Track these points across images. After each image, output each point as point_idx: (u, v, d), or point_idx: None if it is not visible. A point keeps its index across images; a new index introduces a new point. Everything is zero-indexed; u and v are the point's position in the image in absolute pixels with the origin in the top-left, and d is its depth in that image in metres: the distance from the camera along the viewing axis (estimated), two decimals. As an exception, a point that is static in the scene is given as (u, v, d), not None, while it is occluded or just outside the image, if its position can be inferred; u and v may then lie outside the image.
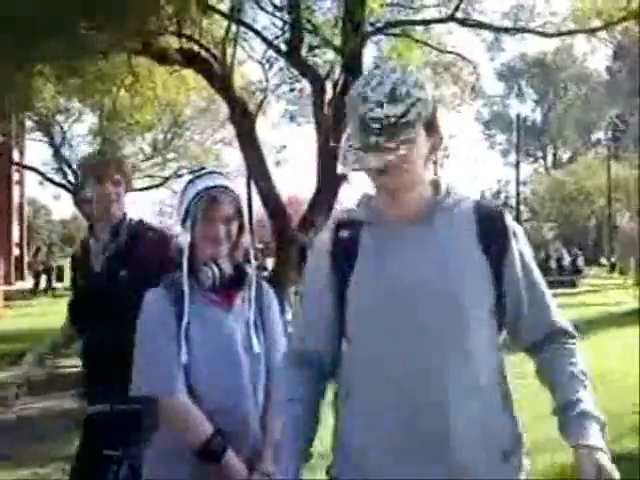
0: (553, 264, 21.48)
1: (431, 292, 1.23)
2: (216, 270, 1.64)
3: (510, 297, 1.28)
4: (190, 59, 8.43)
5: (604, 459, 1.14)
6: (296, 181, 47.06)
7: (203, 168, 1.77)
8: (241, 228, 1.71)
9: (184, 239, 1.65)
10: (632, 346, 7.53)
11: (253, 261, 1.75)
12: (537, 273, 1.33)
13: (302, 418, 1.33)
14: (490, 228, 1.28)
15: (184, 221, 1.66)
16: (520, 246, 1.31)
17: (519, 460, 1.30)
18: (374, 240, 1.30)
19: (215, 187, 1.66)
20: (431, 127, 1.24)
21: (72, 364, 7.48)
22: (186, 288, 1.63)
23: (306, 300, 1.40)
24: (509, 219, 1.32)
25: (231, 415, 1.61)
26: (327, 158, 8.67)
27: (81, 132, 24.44)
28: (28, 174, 24.39)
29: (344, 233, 1.33)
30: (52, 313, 12.92)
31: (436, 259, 1.24)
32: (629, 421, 4.67)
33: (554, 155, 47.26)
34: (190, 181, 1.71)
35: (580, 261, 23.11)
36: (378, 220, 1.31)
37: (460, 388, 1.20)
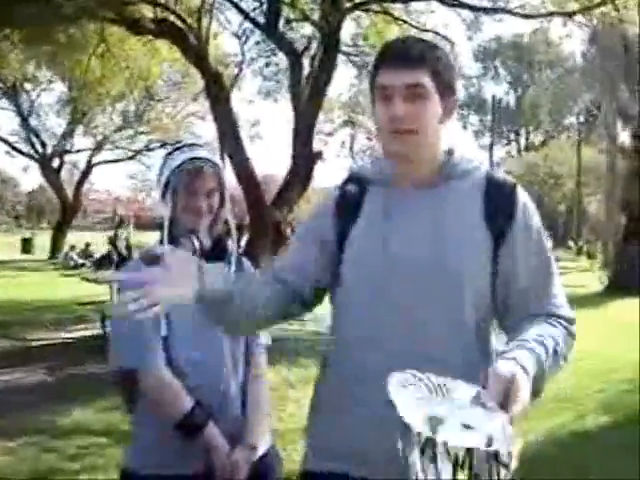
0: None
1: (428, 261, 1.20)
2: (196, 243, 1.60)
3: (504, 274, 1.22)
4: (164, 29, 8.23)
5: (522, 377, 1.00)
6: (270, 158, 46.54)
7: (180, 141, 1.72)
8: (222, 201, 1.68)
9: (164, 212, 1.61)
10: (597, 328, 7.74)
11: (234, 235, 1.71)
12: (544, 254, 1.25)
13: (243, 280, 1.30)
14: (497, 201, 1.24)
15: (164, 193, 1.62)
16: (528, 223, 1.24)
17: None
18: (380, 200, 1.28)
19: (197, 159, 1.62)
20: (446, 89, 1.23)
21: (41, 337, 7.39)
22: None
23: (299, 238, 1.37)
24: (520, 194, 1.26)
25: (211, 391, 1.59)
26: (303, 135, 8.60)
27: (50, 101, 23.82)
28: (-6, 143, 23.74)
29: (352, 189, 1.32)
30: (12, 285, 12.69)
31: (437, 228, 1.22)
32: (591, 401, 4.80)
33: (527, 138, 47.71)
34: (169, 153, 1.66)
35: (548, 244, 23.43)
36: (386, 181, 1.29)
37: (453, 361, 1.16)
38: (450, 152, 1.30)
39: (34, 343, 7.11)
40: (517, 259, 1.22)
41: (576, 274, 15.69)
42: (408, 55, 1.21)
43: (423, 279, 1.21)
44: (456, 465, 0.83)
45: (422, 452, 0.85)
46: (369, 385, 1.20)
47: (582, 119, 32.62)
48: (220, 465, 1.54)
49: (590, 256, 23.49)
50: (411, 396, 0.91)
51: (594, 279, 13.91)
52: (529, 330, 1.14)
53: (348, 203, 1.30)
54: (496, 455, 0.84)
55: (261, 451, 1.62)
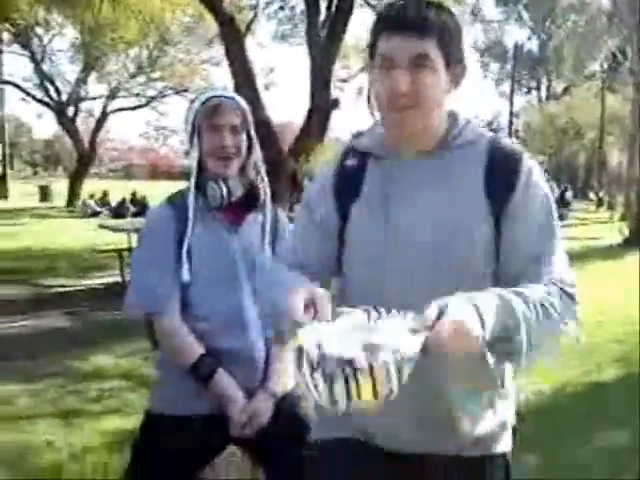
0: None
1: (430, 235, 1.17)
2: (224, 188, 1.57)
3: (505, 244, 1.17)
4: (178, -30, 7.98)
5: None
6: (286, 106, 45.67)
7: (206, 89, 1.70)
8: (251, 145, 1.63)
9: (192, 157, 1.58)
10: (616, 280, 7.68)
11: (266, 181, 1.66)
12: (548, 225, 1.18)
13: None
14: (499, 170, 1.18)
15: (191, 139, 1.58)
16: (532, 193, 1.18)
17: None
18: (380, 172, 1.23)
19: (218, 96, 1.58)
20: (453, 57, 1.16)
21: (61, 284, 7.52)
22: (191, 206, 1.56)
23: (304, 230, 1.30)
24: (526, 162, 1.19)
25: (232, 338, 1.58)
26: (319, 82, 8.42)
27: (62, 47, 23.49)
28: (8, 89, 23.54)
29: (350, 163, 1.26)
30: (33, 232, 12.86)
31: (439, 199, 1.18)
32: (609, 351, 4.80)
33: (548, 87, 46.40)
34: (195, 98, 1.63)
35: (569, 195, 23.22)
36: (386, 151, 1.24)
37: None
38: (454, 116, 1.24)
39: (54, 290, 7.23)
40: (518, 230, 1.18)
41: (596, 226, 15.54)
42: (413, 22, 1.12)
43: (425, 252, 1.17)
44: (313, 370, 0.91)
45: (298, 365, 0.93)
46: None
47: (606, 66, 31.54)
48: (234, 413, 1.53)
49: (610, 207, 23.21)
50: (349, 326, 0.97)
51: (614, 230, 13.75)
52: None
53: (347, 180, 1.25)
54: (350, 362, 0.89)
55: (281, 393, 1.61)
